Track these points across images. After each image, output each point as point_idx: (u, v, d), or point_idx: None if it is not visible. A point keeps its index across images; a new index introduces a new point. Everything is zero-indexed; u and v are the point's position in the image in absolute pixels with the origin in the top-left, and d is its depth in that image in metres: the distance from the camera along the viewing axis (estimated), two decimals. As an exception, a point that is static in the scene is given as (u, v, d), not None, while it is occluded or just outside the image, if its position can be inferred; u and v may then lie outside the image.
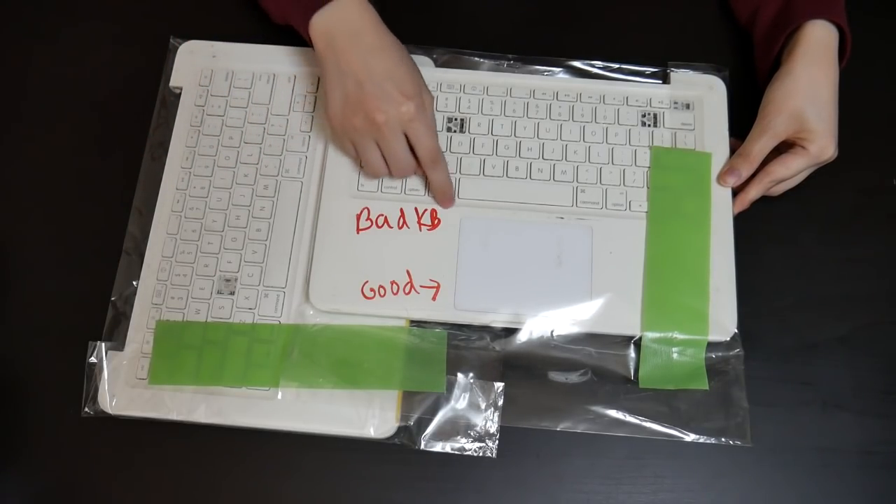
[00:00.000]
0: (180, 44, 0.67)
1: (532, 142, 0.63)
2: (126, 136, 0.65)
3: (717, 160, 0.62)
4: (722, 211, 0.61)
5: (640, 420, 0.57)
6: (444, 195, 0.59)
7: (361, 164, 0.60)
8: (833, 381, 0.59)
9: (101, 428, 0.57)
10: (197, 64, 0.66)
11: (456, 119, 0.64)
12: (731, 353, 0.58)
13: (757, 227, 0.62)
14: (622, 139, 0.63)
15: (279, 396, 0.57)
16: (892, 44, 0.70)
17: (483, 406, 0.57)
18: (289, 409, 0.57)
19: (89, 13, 0.71)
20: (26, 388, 0.59)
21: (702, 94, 0.65)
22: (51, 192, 0.65)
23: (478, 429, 0.57)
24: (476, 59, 0.67)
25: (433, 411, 0.57)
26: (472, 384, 0.58)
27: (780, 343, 0.60)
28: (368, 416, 0.56)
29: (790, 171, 0.59)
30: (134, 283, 0.60)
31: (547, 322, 0.58)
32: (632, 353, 0.59)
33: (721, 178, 0.61)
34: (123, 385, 0.57)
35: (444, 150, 0.62)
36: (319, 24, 0.56)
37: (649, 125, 0.64)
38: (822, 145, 0.58)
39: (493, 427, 0.57)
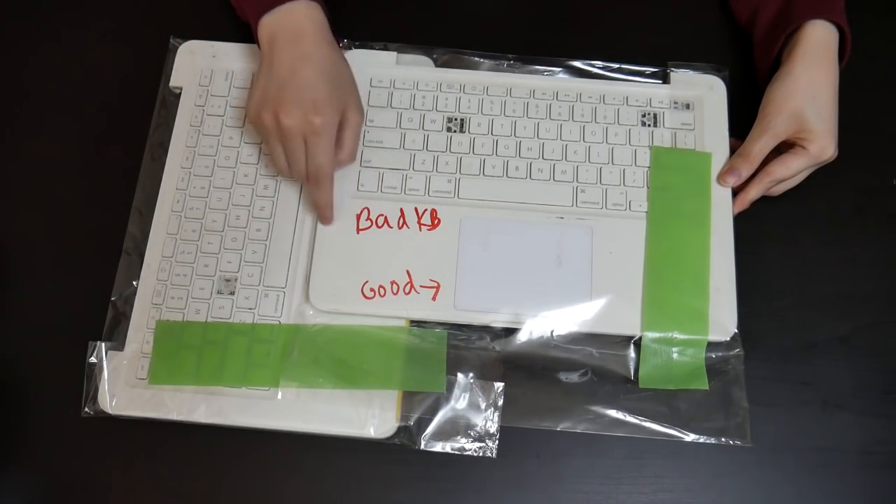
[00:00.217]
0: (180, 44, 0.67)
1: (532, 142, 0.63)
2: (126, 136, 0.65)
3: (717, 160, 0.62)
4: (722, 211, 0.61)
5: (640, 420, 0.57)
6: (322, 214, 0.59)
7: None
8: (833, 381, 0.59)
9: (101, 428, 0.57)
10: (197, 64, 0.66)
11: (456, 119, 0.64)
12: (731, 353, 0.58)
13: (757, 227, 0.62)
14: (622, 139, 0.63)
15: (279, 396, 0.57)
16: (892, 44, 0.70)
17: (483, 406, 0.57)
18: (289, 409, 0.57)
19: (89, 13, 0.71)
20: (26, 388, 0.59)
21: (702, 94, 0.65)
22: (51, 192, 0.65)
23: (478, 429, 0.57)
24: (476, 59, 0.67)
25: (433, 411, 0.57)
26: (472, 384, 0.58)
27: (780, 343, 0.60)
28: (368, 416, 0.56)
29: (790, 172, 0.59)
30: (134, 283, 0.60)
31: (547, 322, 0.58)
32: (632, 353, 0.59)
33: (721, 178, 0.61)
34: (123, 385, 0.57)
35: (444, 150, 0.62)
36: (266, 24, 0.58)
37: (649, 125, 0.64)
38: (822, 145, 0.58)
39: (493, 427, 0.57)
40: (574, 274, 0.59)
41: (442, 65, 0.66)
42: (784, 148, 0.60)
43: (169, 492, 0.56)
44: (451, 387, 0.57)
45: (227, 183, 0.62)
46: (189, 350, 0.58)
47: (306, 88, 0.55)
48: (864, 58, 0.64)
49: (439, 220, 0.60)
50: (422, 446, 0.56)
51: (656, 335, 0.57)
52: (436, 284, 0.59)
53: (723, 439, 0.57)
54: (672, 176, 0.62)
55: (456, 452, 0.56)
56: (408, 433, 0.57)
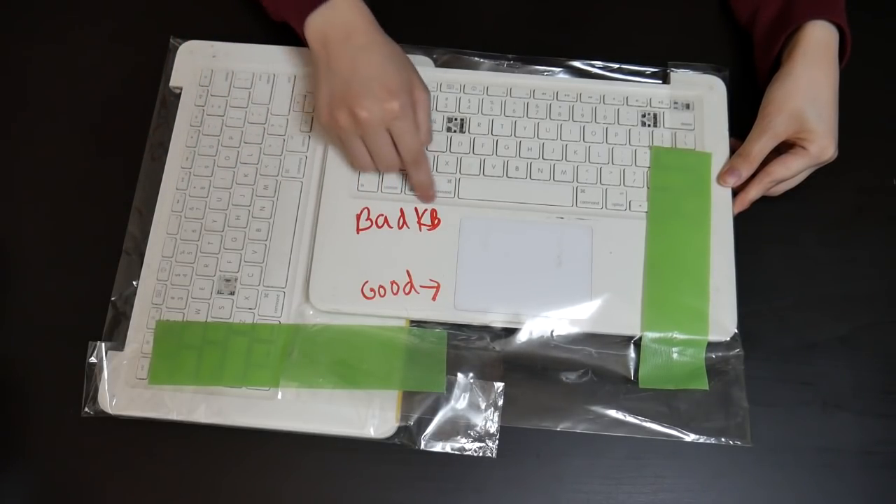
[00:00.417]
0: (180, 44, 0.67)
1: (532, 142, 0.63)
2: (126, 136, 0.66)
3: (717, 160, 0.62)
4: (722, 211, 0.61)
5: (640, 420, 0.57)
6: (425, 194, 0.60)
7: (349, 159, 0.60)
8: (833, 381, 0.59)
9: (101, 428, 0.57)
10: (197, 64, 0.66)
11: (456, 119, 0.64)
12: (731, 353, 0.58)
13: (757, 227, 0.62)
14: (622, 139, 0.63)
15: (279, 396, 0.57)
16: (892, 44, 0.70)
17: (483, 406, 0.57)
18: (289, 409, 0.57)
19: (89, 13, 0.71)
20: (26, 388, 0.59)
21: (702, 94, 0.65)
22: (51, 192, 0.65)
23: (478, 429, 0.57)
24: (476, 59, 0.67)
25: (433, 411, 0.57)
26: (472, 384, 0.58)
27: (780, 343, 0.60)
28: (368, 416, 0.56)
29: (790, 172, 0.59)
30: (134, 283, 0.60)
31: (547, 322, 0.58)
32: (632, 353, 0.59)
33: (721, 178, 0.61)
34: (123, 385, 0.57)
35: (444, 150, 0.63)
36: (314, 24, 0.57)
37: (649, 125, 0.64)
38: (823, 145, 0.58)
39: (493, 427, 0.57)
40: (574, 274, 0.59)
41: (442, 65, 0.66)
42: (784, 148, 0.60)
43: (169, 492, 0.57)
44: (451, 387, 0.57)
45: (227, 183, 0.62)
46: (189, 350, 0.58)
47: (373, 79, 0.55)
48: (864, 58, 0.64)
49: (439, 220, 0.60)
50: (422, 446, 0.56)
51: (656, 335, 0.57)
52: (436, 284, 0.59)
53: (723, 439, 0.57)
54: (672, 176, 0.62)
55: (456, 452, 0.56)
56: (408, 433, 0.57)
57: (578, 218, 0.61)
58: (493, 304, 0.58)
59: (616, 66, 0.67)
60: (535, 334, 0.58)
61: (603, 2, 0.71)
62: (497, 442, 0.56)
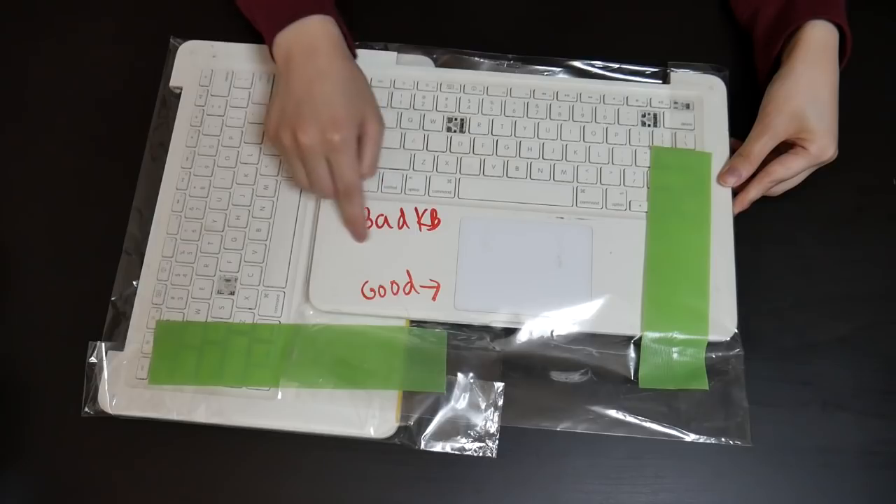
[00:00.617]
0: (180, 44, 0.67)
1: (532, 142, 0.63)
2: (126, 136, 0.65)
3: (717, 160, 0.62)
4: (722, 211, 0.61)
5: (640, 420, 0.57)
6: (354, 230, 0.59)
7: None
8: (833, 381, 0.59)
9: (101, 428, 0.57)
10: (197, 64, 0.66)
11: (456, 119, 0.64)
12: (731, 353, 0.58)
13: (757, 227, 0.62)
14: (622, 139, 0.63)
15: (279, 396, 0.57)
16: (892, 44, 0.70)
17: (483, 406, 0.57)
18: (289, 409, 0.57)
19: (89, 13, 0.71)
20: (26, 388, 0.59)
21: (702, 94, 0.65)
22: (51, 192, 0.65)
23: (478, 429, 0.57)
24: (476, 59, 0.67)
25: (433, 411, 0.57)
26: (472, 384, 0.58)
27: (780, 343, 0.60)
28: (368, 416, 0.56)
29: (790, 172, 0.59)
30: (134, 283, 0.60)
31: (547, 322, 0.58)
32: (632, 353, 0.59)
33: (721, 178, 0.61)
34: (123, 385, 0.57)
35: (444, 150, 0.63)
36: (281, 42, 0.57)
37: (649, 125, 0.64)
38: (823, 145, 0.58)
39: (493, 427, 0.57)
40: (574, 274, 0.59)
41: (442, 65, 0.66)
42: (784, 148, 0.60)
43: (169, 492, 0.57)
44: (451, 387, 0.57)
45: (227, 183, 0.62)
46: (189, 350, 0.58)
47: (323, 105, 0.55)
48: (864, 58, 0.64)
49: (439, 220, 0.60)
50: (422, 446, 0.56)
51: (656, 335, 0.57)
52: (436, 284, 0.59)
53: (723, 439, 0.57)
54: (672, 176, 0.62)
55: (456, 452, 0.56)
56: (408, 433, 0.57)
57: (578, 218, 0.61)
58: (493, 304, 0.58)
59: (616, 66, 0.67)
60: (535, 334, 0.58)
61: (603, 2, 0.71)
62: (497, 442, 0.56)
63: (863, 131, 0.64)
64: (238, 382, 0.57)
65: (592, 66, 0.67)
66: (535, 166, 0.62)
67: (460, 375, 0.58)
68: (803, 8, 0.60)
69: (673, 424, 0.57)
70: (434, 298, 0.58)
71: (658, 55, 0.67)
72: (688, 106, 0.64)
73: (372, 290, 0.58)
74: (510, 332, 0.58)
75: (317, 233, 0.60)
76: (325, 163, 0.56)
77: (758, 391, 0.58)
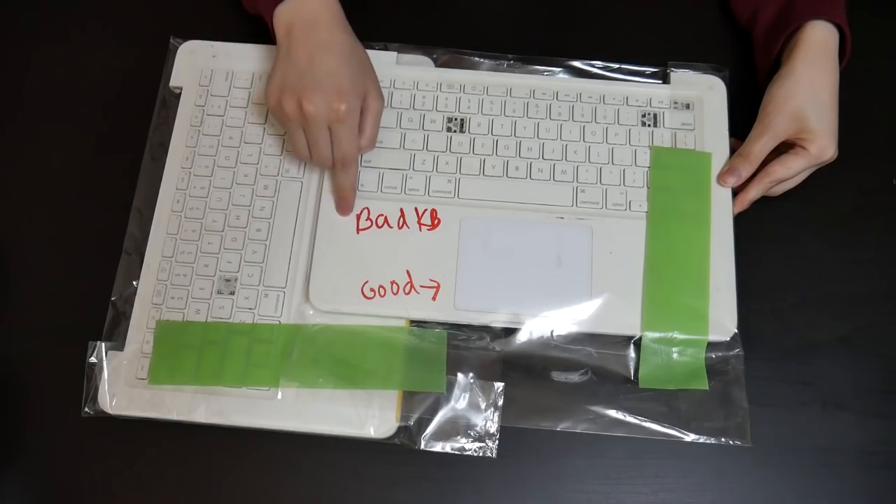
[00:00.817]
0: (180, 44, 0.67)
1: (532, 142, 0.63)
2: (126, 136, 0.66)
3: (717, 160, 0.62)
4: (722, 211, 0.61)
5: (640, 420, 0.57)
6: (343, 197, 0.60)
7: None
8: (833, 381, 0.59)
9: (101, 428, 0.57)
10: (197, 64, 0.66)
11: (456, 119, 0.64)
12: (731, 353, 0.58)
13: (757, 227, 0.62)
14: (622, 139, 0.63)
15: (279, 396, 0.57)
16: (892, 44, 0.70)
17: (483, 406, 0.57)
18: (289, 409, 0.57)
19: (89, 13, 0.71)
20: (26, 388, 0.59)
21: (702, 94, 0.65)
22: (51, 192, 0.65)
23: (478, 429, 0.57)
24: (476, 59, 0.67)
25: (433, 411, 0.57)
26: (472, 384, 0.58)
27: (780, 343, 0.60)
28: (368, 416, 0.56)
29: (790, 172, 0.59)
30: (134, 283, 0.60)
31: (547, 322, 0.58)
32: (632, 353, 0.59)
33: (721, 178, 0.61)
34: (123, 385, 0.57)
35: (444, 150, 0.63)
36: (282, 14, 0.58)
37: (649, 125, 0.64)
38: (823, 146, 0.58)
39: (493, 427, 0.57)
40: (574, 274, 0.59)
41: (442, 65, 0.66)
42: (784, 148, 0.60)
43: (169, 492, 0.56)
44: (451, 387, 0.57)
45: (227, 183, 0.62)
46: (189, 350, 0.58)
47: (327, 76, 0.55)
48: (864, 58, 0.64)
49: (439, 220, 0.60)
50: (422, 446, 0.56)
51: (656, 335, 0.57)
52: (436, 284, 0.59)
53: (723, 439, 0.57)
54: (672, 176, 0.62)
55: (456, 452, 0.56)
56: (408, 433, 0.57)
57: (578, 218, 0.61)
58: (493, 304, 0.58)
59: (616, 66, 0.67)
60: (535, 334, 0.58)
61: (603, 2, 0.71)
62: (497, 442, 0.56)
63: (863, 131, 0.64)
64: (238, 382, 0.57)
65: (592, 66, 0.67)
66: (535, 166, 0.62)
67: (460, 375, 0.58)
68: (803, 8, 0.60)
69: (673, 424, 0.57)
70: (434, 298, 0.58)
71: (658, 55, 0.67)
72: (688, 106, 0.64)
73: (372, 290, 0.58)
74: (510, 332, 0.58)
75: (317, 233, 0.60)
76: (327, 132, 0.56)
77: (758, 391, 0.58)
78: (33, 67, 0.69)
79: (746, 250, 0.60)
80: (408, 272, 0.59)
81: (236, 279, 0.60)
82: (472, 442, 0.56)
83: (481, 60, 0.67)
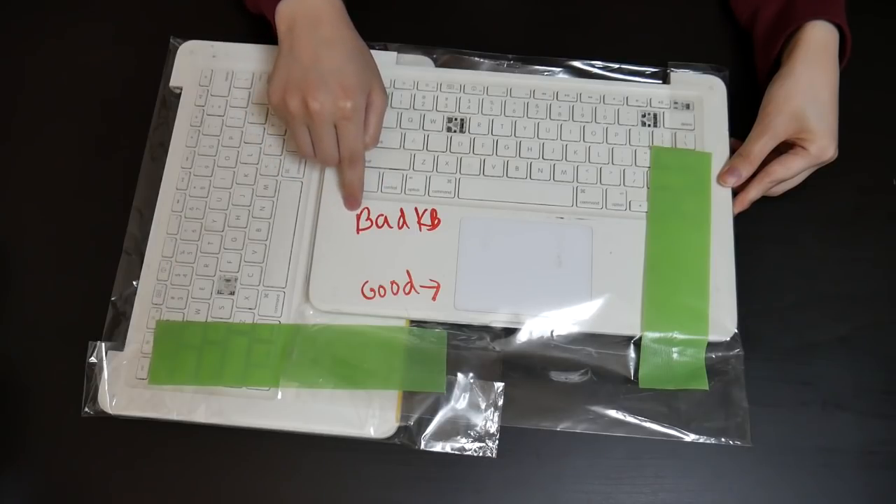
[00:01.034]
0: (180, 44, 0.67)
1: (532, 142, 0.63)
2: (126, 136, 0.66)
3: (717, 160, 0.62)
4: (722, 211, 0.61)
5: (640, 420, 0.57)
6: (351, 194, 0.60)
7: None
8: (833, 381, 0.59)
9: (101, 428, 0.57)
10: (197, 64, 0.66)
11: (456, 119, 0.64)
12: (731, 353, 0.58)
13: (757, 227, 0.62)
14: (622, 139, 0.63)
15: (279, 396, 0.57)
16: (892, 44, 0.70)
17: (483, 406, 0.57)
18: (289, 409, 0.57)
19: (89, 13, 0.71)
20: (26, 388, 0.59)
21: (702, 94, 0.65)
22: (51, 192, 0.65)
23: (478, 429, 0.57)
24: (476, 59, 0.67)
25: (433, 411, 0.57)
26: (472, 384, 0.58)
27: (780, 343, 0.60)
28: (368, 416, 0.56)
29: (790, 172, 0.59)
30: (134, 283, 0.60)
31: (547, 322, 0.58)
32: (632, 353, 0.59)
33: (721, 178, 0.61)
34: (123, 385, 0.57)
35: (444, 150, 0.63)
36: (284, 11, 0.57)
37: (649, 125, 0.64)
38: (823, 146, 0.58)
39: (493, 427, 0.57)
40: (574, 274, 0.59)
41: (442, 65, 0.66)
42: (784, 148, 0.60)
43: (169, 492, 0.56)
44: (451, 387, 0.57)
45: (227, 183, 0.62)
46: (189, 350, 0.58)
47: (332, 73, 0.55)
48: (864, 58, 0.64)
49: (439, 220, 0.60)
50: (422, 446, 0.56)
51: (656, 335, 0.57)
52: (436, 284, 0.59)
53: (723, 439, 0.57)
54: (672, 176, 0.62)
55: (456, 452, 0.56)
56: (408, 433, 0.57)
57: (578, 218, 0.61)
58: (493, 304, 0.58)
59: (616, 66, 0.67)
60: (535, 334, 0.58)
61: (603, 1, 0.71)
62: (497, 442, 0.56)
63: (863, 131, 0.64)
64: (238, 382, 0.57)
65: (592, 66, 0.67)
66: (535, 166, 0.62)
67: (460, 375, 0.58)
68: (803, 8, 0.60)
69: (673, 424, 0.57)
70: (434, 298, 0.58)
71: (658, 55, 0.67)
72: (688, 106, 0.64)
73: (372, 290, 0.58)
74: (510, 332, 0.58)
75: (317, 233, 0.60)
76: (333, 130, 0.56)
77: (758, 391, 0.58)
78: (33, 67, 0.69)
79: (746, 250, 0.60)
80: (408, 272, 0.59)
81: (236, 279, 0.60)
82: (472, 442, 0.56)
83: (481, 60, 0.67)
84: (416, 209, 0.61)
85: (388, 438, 0.56)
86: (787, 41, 0.62)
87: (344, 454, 0.57)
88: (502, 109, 0.64)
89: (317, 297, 0.58)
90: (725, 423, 0.57)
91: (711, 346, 0.58)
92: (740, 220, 0.61)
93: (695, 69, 0.66)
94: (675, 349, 0.58)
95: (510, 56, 0.67)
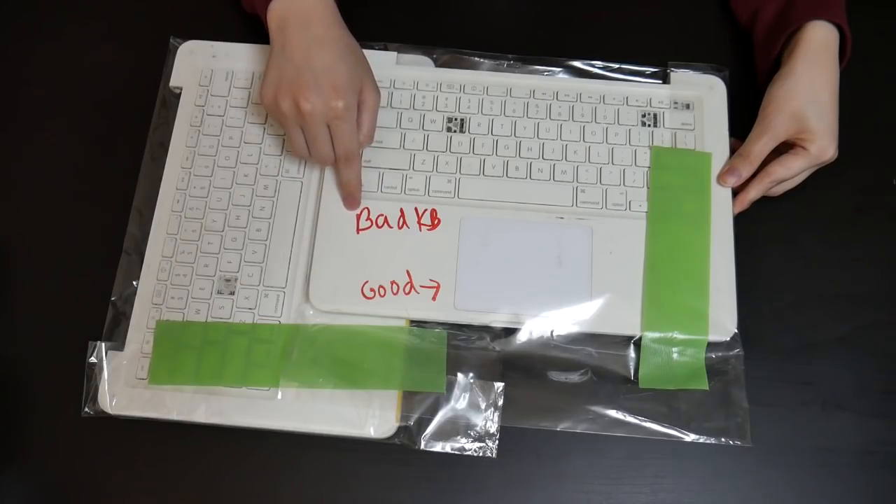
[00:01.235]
0: (180, 44, 0.67)
1: (532, 142, 0.63)
2: (126, 136, 0.66)
3: (717, 160, 0.62)
4: (722, 211, 0.61)
5: (640, 420, 0.57)
6: (349, 193, 0.60)
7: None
8: (833, 381, 0.59)
9: (101, 428, 0.57)
10: (197, 64, 0.66)
11: (456, 119, 0.64)
12: (731, 353, 0.58)
13: (757, 227, 0.62)
14: (622, 139, 0.63)
15: (279, 396, 0.57)
16: (892, 44, 0.70)
17: (483, 406, 0.57)
18: (289, 409, 0.57)
19: (89, 13, 0.71)
20: (26, 388, 0.59)
21: (702, 94, 0.65)
22: (51, 192, 0.65)
23: (478, 429, 0.57)
24: (476, 59, 0.67)
25: (433, 411, 0.57)
26: (472, 384, 0.58)
27: (780, 343, 0.60)
28: (368, 416, 0.56)
29: (790, 172, 0.59)
30: (134, 283, 0.60)
31: (547, 322, 0.58)
32: (632, 353, 0.59)
33: (721, 178, 0.61)
34: (123, 385, 0.57)
35: (444, 150, 0.63)
36: (276, 10, 0.57)
37: (649, 125, 0.64)
38: (823, 146, 0.58)
39: (493, 427, 0.57)
40: (574, 274, 0.59)
41: (442, 65, 0.66)
42: (784, 148, 0.60)
43: (169, 492, 0.57)
44: (451, 387, 0.57)
45: (227, 183, 0.62)
46: (189, 350, 0.58)
47: (323, 72, 0.55)
48: (864, 58, 0.64)
49: (439, 220, 0.60)
50: (422, 446, 0.56)
51: (656, 335, 0.57)
52: (436, 284, 0.59)
53: (723, 439, 0.57)
54: (672, 176, 0.62)
55: (456, 452, 0.56)
56: (408, 433, 0.57)
57: (578, 218, 0.61)
58: (493, 304, 0.58)
59: (616, 66, 0.67)
60: (535, 334, 0.58)
61: (603, 2, 0.71)
62: (497, 442, 0.56)
63: (863, 131, 0.64)
64: (238, 382, 0.57)
65: (592, 66, 0.67)
66: (535, 166, 0.62)
67: (460, 375, 0.58)
68: (803, 8, 0.60)
69: (673, 424, 0.57)
70: (434, 298, 0.58)
71: (658, 55, 0.67)
72: (688, 106, 0.64)
73: (372, 290, 0.58)
74: (510, 332, 0.58)
75: (317, 233, 0.60)
76: (326, 130, 0.56)
77: (758, 391, 0.58)
78: (33, 67, 0.69)
79: (746, 250, 0.60)
80: (408, 272, 0.59)
81: (236, 279, 0.60)
82: (472, 442, 0.56)
83: (481, 60, 0.67)
84: (416, 209, 0.61)
85: (388, 438, 0.56)
86: (788, 41, 0.62)
87: (344, 454, 0.57)
88: (502, 109, 0.64)
89: (317, 297, 0.58)
90: (725, 423, 0.57)
91: (711, 346, 0.58)
92: (740, 220, 0.61)
93: (695, 69, 0.66)
94: (675, 349, 0.58)
95: (510, 56, 0.67)
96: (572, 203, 0.61)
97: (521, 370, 0.58)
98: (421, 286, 0.59)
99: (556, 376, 0.58)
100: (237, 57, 0.66)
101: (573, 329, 0.58)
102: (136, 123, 0.66)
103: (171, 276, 0.60)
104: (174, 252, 0.60)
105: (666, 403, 0.58)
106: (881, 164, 0.66)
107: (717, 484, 0.57)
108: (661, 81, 0.66)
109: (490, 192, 0.61)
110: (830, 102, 0.59)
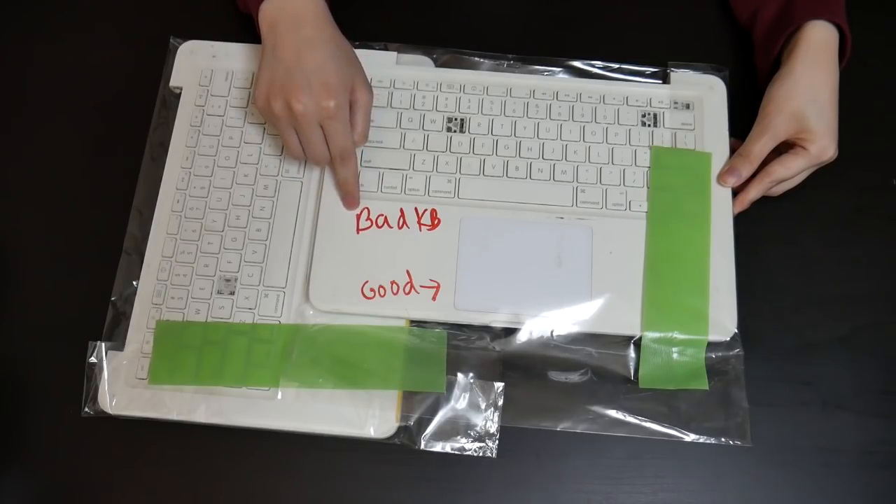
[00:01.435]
0: (180, 44, 0.67)
1: (532, 142, 0.63)
2: (126, 136, 0.66)
3: (717, 160, 0.62)
4: (722, 211, 0.61)
5: (640, 420, 0.57)
6: (347, 192, 0.60)
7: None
8: (833, 381, 0.59)
9: (101, 428, 0.57)
10: (197, 64, 0.66)
11: (456, 119, 0.64)
12: (731, 353, 0.58)
13: (757, 227, 0.62)
14: (622, 139, 0.63)
15: (279, 396, 0.57)
16: (893, 44, 0.70)
17: (483, 406, 0.57)
18: (289, 409, 0.57)
19: (89, 13, 0.71)
20: (26, 388, 0.59)
21: (702, 94, 0.65)
22: (51, 192, 0.65)
23: (478, 429, 0.57)
24: (476, 59, 0.67)
25: (433, 411, 0.57)
26: (472, 384, 0.58)
27: (780, 343, 0.60)
28: (368, 416, 0.56)
29: (790, 172, 0.59)
30: (134, 283, 0.60)
31: (547, 322, 0.58)
32: (632, 353, 0.59)
33: (721, 178, 0.61)
34: (123, 385, 0.57)
35: (444, 150, 0.63)
36: (267, 10, 0.57)
37: (649, 125, 0.64)
38: (823, 146, 0.58)
39: (493, 427, 0.57)
40: (574, 274, 0.59)
41: (442, 65, 0.66)
42: (784, 148, 0.60)
43: (169, 492, 0.57)
44: (451, 387, 0.57)
45: (227, 183, 0.62)
46: (189, 350, 0.58)
47: (314, 73, 0.55)
48: (864, 58, 0.64)
49: (439, 220, 0.60)
50: (422, 446, 0.56)
51: (656, 335, 0.57)
52: (436, 284, 0.59)
53: (723, 439, 0.57)
54: (672, 176, 0.62)
55: (456, 452, 0.56)
56: (408, 433, 0.57)
57: (578, 218, 0.61)
58: (493, 304, 0.58)
59: (616, 66, 0.67)
60: (535, 334, 0.58)
61: (603, 2, 0.71)
62: (497, 442, 0.56)
63: (863, 131, 0.64)
64: (238, 382, 0.57)
65: (592, 66, 0.67)
66: (535, 166, 0.62)
67: (460, 375, 0.58)
68: (803, 8, 0.60)
69: (673, 424, 0.57)
70: (434, 298, 0.58)
71: (658, 55, 0.67)
72: (688, 106, 0.64)
73: (372, 290, 0.58)
74: (510, 332, 0.58)
75: (317, 233, 0.60)
76: (320, 130, 0.56)
77: (758, 391, 0.58)
78: (33, 67, 0.69)
79: (746, 250, 0.60)
80: (408, 272, 0.59)
81: (236, 279, 0.60)
82: (472, 442, 0.56)
83: (481, 60, 0.67)
84: (416, 209, 0.61)
85: (388, 438, 0.56)
86: (787, 41, 0.62)
87: (344, 454, 0.57)
88: (502, 109, 0.64)
89: (317, 297, 0.58)
90: (725, 423, 0.57)
91: (711, 346, 0.58)
92: (740, 220, 0.61)
93: (695, 69, 0.66)
94: (675, 349, 0.58)
95: (510, 56, 0.67)
96: (572, 203, 0.61)
97: (521, 370, 0.58)
98: (421, 286, 0.59)
99: (556, 376, 0.58)
100: (237, 57, 0.66)
101: (573, 329, 0.58)
102: (137, 123, 0.66)
103: (171, 276, 0.60)
104: (174, 252, 0.60)
105: (666, 403, 0.58)
106: (881, 164, 0.66)
107: (717, 484, 0.57)
108: (661, 81, 0.66)
109: (490, 192, 0.61)
110: (830, 102, 0.59)
